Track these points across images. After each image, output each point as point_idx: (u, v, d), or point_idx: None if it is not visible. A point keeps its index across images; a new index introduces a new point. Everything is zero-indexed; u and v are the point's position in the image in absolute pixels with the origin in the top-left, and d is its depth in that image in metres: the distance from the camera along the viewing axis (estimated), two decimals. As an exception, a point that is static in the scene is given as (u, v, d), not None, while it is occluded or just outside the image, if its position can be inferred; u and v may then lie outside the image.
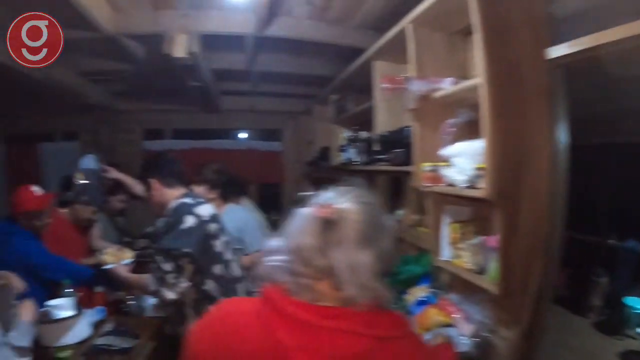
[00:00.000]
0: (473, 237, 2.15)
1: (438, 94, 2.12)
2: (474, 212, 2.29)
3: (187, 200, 2.43)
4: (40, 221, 2.88)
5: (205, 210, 2.43)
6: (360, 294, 0.99)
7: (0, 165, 6.57)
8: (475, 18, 1.82)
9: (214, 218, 2.47)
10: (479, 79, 1.78)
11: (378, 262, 1.02)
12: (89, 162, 3.43)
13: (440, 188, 2.12)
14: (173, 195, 2.46)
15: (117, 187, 3.93)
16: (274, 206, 6.57)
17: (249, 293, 2.55)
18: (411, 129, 2.40)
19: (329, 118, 4.81)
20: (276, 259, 1.08)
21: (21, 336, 1.84)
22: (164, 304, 2.38)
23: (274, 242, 1.12)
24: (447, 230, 2.28)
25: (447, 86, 2.07)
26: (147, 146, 6.64)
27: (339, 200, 1.06)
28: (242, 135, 7.16)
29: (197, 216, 2.34)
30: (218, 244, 2.43)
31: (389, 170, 2.85)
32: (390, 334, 1.02)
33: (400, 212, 3.23)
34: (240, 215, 3.39)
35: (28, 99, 5.55)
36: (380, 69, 3.14)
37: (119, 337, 2.53)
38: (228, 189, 3.46)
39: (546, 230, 1.94)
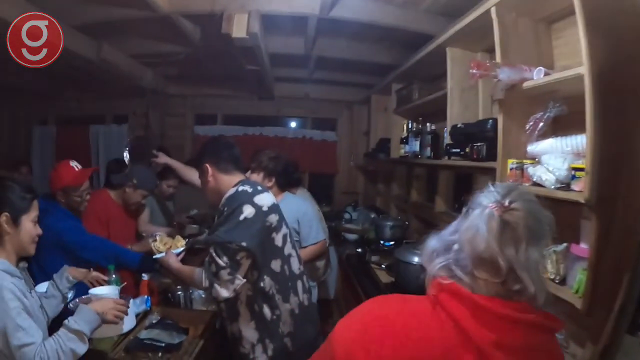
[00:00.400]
0: (552, 243, 1.99)
1: (528, 84, 1.96)
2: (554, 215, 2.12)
3: (245, 187, 2.24)
4: (79, 197, 2.83)
5: (265, 199, 2.23)
6: (538, 291, 1.00)
7: (51, 146, 6.79)
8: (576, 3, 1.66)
9: (274, 208, 2.27)
10: (581, 68, 1.62)
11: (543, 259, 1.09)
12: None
13: (526, 188, 1.95)
14: (229, 182, 2.31)
15: (167, 171, 3.93)
16: (325, 198, 6.51)
17: (307, 290, 2.45)
18: (496, 122, 2.25)
19: (390, 108, 4.69)
20: (445, 258, 1.08)
21: (81, 321, 1.79)
22: (216, 301, 2.27)
23: (436, 240, 1.13)
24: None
25: (539, 76, 1.90)
26: (197, 131, 6.68)
27: (509, 198, 1.05)
28: (293, 123, 7.09)
29: (256, 206, 2.16)
30: (278, 238, 2.26)
31: (462, 165, 2.68)
32: (554, 327, 1.07)
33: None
34: (297, 206, 3.25)
35: (80, 81, 5.71)
36: (453, 56, 2.95)
37: (165, 331, 2.40)
38: (285, 178, 3.33)
39: (637, 241, 1.77)
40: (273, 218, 2.23)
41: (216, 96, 6.64)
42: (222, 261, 2.08)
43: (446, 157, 2.89)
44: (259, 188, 2.31)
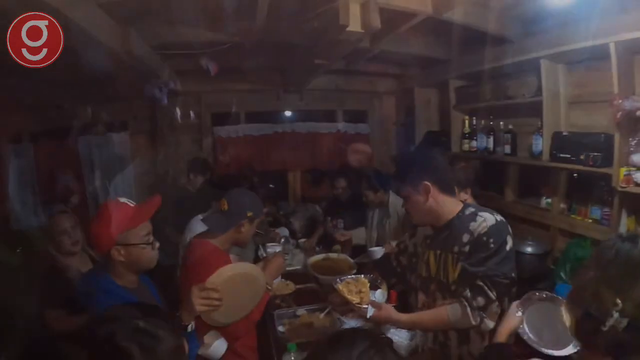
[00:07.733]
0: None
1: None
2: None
3: (498, 216, 2.27)
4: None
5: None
6: None
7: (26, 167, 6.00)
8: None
9: None
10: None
11: None
12: None
13: (633, 189, 2.81)
14: (452, 205, 2.34)
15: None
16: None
17: None
18: (608, 137, 3.02)
19: (433, 102, 5.44)
20: None
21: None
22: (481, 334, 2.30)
23: None
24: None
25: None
26: (218, 133, 6.50)
27: None
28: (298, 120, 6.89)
29: (510, 234, 2.24)
30: None
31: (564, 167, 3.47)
32: None
33: (548, 201, 3.90)
34: None
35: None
36: (547, 68, 3.59)
37: None
38: (478, 185, 3.39)
39: None
40: None
41: (232, 91, 6.35)
42: (492, 294, 2.15)
43: (548, 159, 3.59)
44: (486, 210, 2.34)
